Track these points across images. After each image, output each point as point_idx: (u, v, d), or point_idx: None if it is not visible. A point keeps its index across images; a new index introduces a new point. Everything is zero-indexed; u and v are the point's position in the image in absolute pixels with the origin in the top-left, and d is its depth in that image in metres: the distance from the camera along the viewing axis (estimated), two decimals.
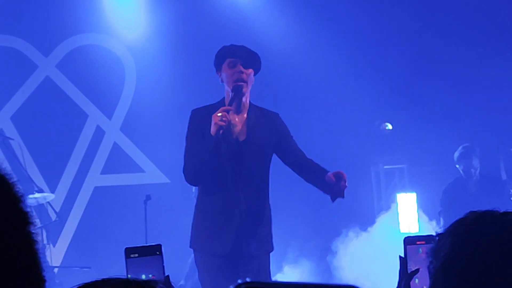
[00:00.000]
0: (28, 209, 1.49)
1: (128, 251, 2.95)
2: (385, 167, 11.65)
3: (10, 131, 11.37)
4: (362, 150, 11.67)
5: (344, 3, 11.44)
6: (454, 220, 8.46)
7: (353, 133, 11.46)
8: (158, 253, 3.09)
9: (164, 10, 11.62)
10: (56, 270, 9.89)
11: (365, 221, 10.85)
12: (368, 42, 11.50)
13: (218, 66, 6.49)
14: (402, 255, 3.13)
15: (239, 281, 1.94)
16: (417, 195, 10.77)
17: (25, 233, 1.46)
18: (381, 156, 11.69)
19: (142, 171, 11.70)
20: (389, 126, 11.39)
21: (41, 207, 10.47)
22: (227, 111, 6.19)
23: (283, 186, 9.42)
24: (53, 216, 10.65)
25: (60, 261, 10.66)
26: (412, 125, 11.47)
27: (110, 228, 11.01)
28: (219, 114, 6.13)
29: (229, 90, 6.34)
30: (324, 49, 11.32)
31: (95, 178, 11.65)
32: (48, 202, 10.38)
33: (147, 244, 3.12)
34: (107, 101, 11.72)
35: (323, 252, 10.72)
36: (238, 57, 6.41)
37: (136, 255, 2.95)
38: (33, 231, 1.48)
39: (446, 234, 2.34)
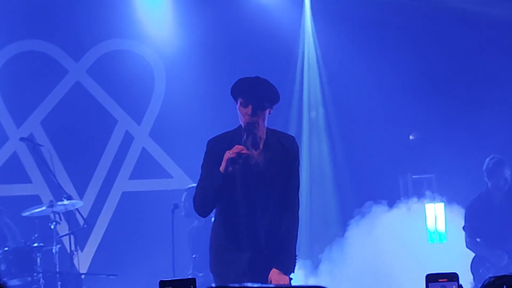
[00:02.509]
0: None
1: (163, 284, 2.84)
2: (413, 176, 11.47)
3: (40, 136, 11.32)
4: (390, 159, 11.62)
5: (377, 21, 11.29)
6: (479, 234, 9.42)
7: (382, 143, 11.35)
8: (192, 287, 2.95)
9: (194, 17, 11.52)
10: (83, 277, 9.80)
11: (394, 230, 10.68)
12: (398, 56, 11.27)
13: (233, 98, 6.42)
14: None
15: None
16: (445, 205, 10.63)
17: None
18: (410, 165, 11.54)
19: (170, 176, 11.59)
20: (411, 137, 11.53)
21: (69, 214, 10.31)
22: (240, 152, 6.14)
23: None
24: (81, 222, 10.40)
25: (87, 268, 10.66)
26: (440, 135, 11.41)
27: (138, 234, 11.02)
28: (233, 153, 6.11)
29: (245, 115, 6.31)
30: (356, 63, 11.15)
31: (123, 184, 11.55)
32: (77, 209, 10.18)
33: (182, 278, 2.98)
34: (137, 107, 11.68)
35: (350, 257, 10.56)
36: (250, 99, 6.30)
37: None
38: None
39: None
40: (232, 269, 6.48)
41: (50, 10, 11.08)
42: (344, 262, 10.70)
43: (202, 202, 6.42)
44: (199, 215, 6.66)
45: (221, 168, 6.20)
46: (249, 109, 6.23)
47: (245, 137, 6.25)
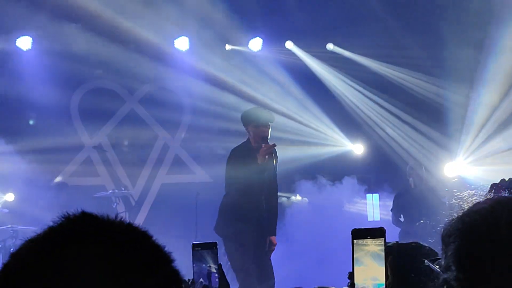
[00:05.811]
0: (177, 269, 1.32)
1: (194, 245, 2.88)
2: (359, 175, 11.94)
3: (106, 145, 12.30)
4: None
5: None
6: (401, 215, 10.02)
7: None
8: (214, 248, 3.03)
9: (206, 64, 11.67)
10: None
11: (342, 211, 11.31)
12: None
13: (260, 122, 7.44)
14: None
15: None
16: (379, 195, 11.69)
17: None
18: (358, 170, 11.98)
19: (194, 173, 12.38)
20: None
21: (125, 198, 11.45)
22: (267, 150, 7.22)
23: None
24: (133, 203, 11.51)
25: None
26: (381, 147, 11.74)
27: (171, 211, 11.40)
28: (266, 151, 7.21)
29: (255, 137, 7.38)
30: None
31: (162, 177, 12.39)
32: (130, 194, 11.40)
33: (207, 242, 3.03)
34: (171, 126, 12.48)
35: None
36: (269, 124, 7.43)
37: (199, 248, 2.88)
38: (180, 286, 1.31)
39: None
40: (240, 234, 7.24)
41: (114, 58, 11.41)
42: (298, 229, 10.88)
43: (240, 188, 7.22)
44: (237, 195, 7.24)
45: (260, 160, 7.13)
46: (268, 130, 7.39)
47: (265, 148, 7.26)
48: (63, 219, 1.29)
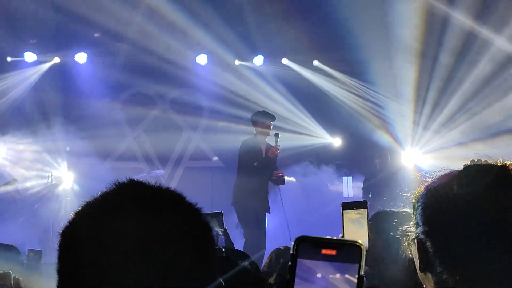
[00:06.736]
0: (207, 221, 1.25)
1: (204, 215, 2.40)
2: (337, 162, 11.71)
3: (142, 136, 12.16)
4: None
5: None
6: (369, 192, 9.63)
7: None
8: (220, 216, 2.92)
9: (224, 79, 11.58)
10: None
11: (320, 190, 11.17)
12: None
13: (265, 119, 7.77)
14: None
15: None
16: (352, 178, 11.51)
17: (211, 236, 1.24)
18: (336, 157, 11.78)
19: (210, 159, 12.23)
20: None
21: (158, 178, 10.12)
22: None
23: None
24: (163, 182, 11.35)
25: None
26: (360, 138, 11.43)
27: (192, 189, 10.96)
28: (274, 153, 7.57)
29: (262, 133, 7.64)
30: None
31: (186, 162, 12.27)
32: (162, 175, 11.01)
33: (215, 211, 2.92)
34: (193, 123, 12.31)
35: None
36: (267, 123, 7.77)
37: (208, 217, 1.86)
38: (211, 236, 1.24)
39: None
40: (250, 207, 7.38)
41: (149, 69, 11.42)
42: (289, 202, 10.07)
43: (250, 175, 7.36)
44: (247, 178, 7.38)
45: (270, 155, 7.49)
46: (271, 127, 7.69)
47: (273, 147, 7.56)
48: (115, 185, 1.25)
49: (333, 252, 0.98)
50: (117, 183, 1.24)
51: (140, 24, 10.54)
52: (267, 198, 7.68)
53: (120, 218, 1.18)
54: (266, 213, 7.73)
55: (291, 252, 0.98)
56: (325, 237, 0.98)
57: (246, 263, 2.33)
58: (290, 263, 0.98)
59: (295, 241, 0.99)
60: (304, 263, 0.98)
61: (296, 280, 0.97)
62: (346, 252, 0.97)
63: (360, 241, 0.99)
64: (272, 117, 7.89)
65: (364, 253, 0.98)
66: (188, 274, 1.18)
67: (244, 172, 7.61)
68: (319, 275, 0.96)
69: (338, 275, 0.96)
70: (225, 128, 11.52)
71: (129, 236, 1.16)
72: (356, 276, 0.97)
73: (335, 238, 1.00)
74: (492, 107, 10.01)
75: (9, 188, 9.86)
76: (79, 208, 1.23)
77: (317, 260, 0.98)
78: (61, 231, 1.22)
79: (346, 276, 0.96)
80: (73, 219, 1.22)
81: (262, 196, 7.54)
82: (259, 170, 7.53)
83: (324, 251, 0.98)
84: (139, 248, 1.15)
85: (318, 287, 0.97)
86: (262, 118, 7.82)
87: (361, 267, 0.97)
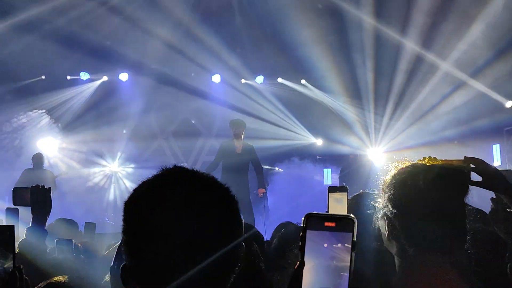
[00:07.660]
0: (234, 195, 1.16)
1: None
2: (317, 157, 11.28)
3: (170, 137, 12.03)
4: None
5: None
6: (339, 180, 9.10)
7: None
8: None
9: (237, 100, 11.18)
10: None
11: (306, 179, 10.77)
12: None
13: (230, 126, 7.55)
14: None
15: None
16: (331, 169, 11.04)
17: (239, 232, 1.15)
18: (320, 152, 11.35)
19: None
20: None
21: None
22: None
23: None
24: None
25: None
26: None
27: None
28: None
29: (235, 135, 7.36)
30: None
31: (203, 157, 11.96)
32: (186, 167, 10.83)
33: None
34: (208, 128, 12.06)
35: None
36: (238, 127, 7.51)
37: None
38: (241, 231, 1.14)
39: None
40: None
41: (174, 86, 11.00)
42: (278, 188, 10.48)
43: (212, 169, 7.13)
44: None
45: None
46: (242, 131, 7.39)
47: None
48: (163, 169, 1.20)
49: (333, 224, 0.98)
50: (164, 168, 1.21)
51: (167, 52, 10.26)
52: (247, 185, 7.38)
53: (166, 198, 1.14)
54: (249, 196, 7.49)
55: (302, 225, 0.99)
56: (326, 213, 0.97)
57: (251, 231, 2.23)
58: (301, 233, 0.99)
59: (305, 217, 1.00)
60: (312, 233, 0.98)
61: (307, 249, 0.98)
62: (342, 223, 0.98)
63: (352, 215, 0.99)
64: (241, 124, 7.65)
65: (356, 224, 0.98)
66: (227, 235, 1.16)
67: (223, 164, 7.54)
68: (325, 245, 0.97)
69: (339, 245, 0.97)
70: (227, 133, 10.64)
71: (182, 203, 1.13)
72: (351, 242, 0.99)
73: (334, 213, 1.02)
74: (437, 119, 9.88)
75: (66, 175, 9.85)
76: (137, 187, 1.18)
77: (321, 230, 0.98)
78: (125, 204, 1.18)
79: (346, 245, 0.97)
80: (131, 195, 1.18)
81: (242, 183, 7.25)
82: (234, 164, 7.37)
83: (326, 223, 0.98)
84: (191, 213, 1.13)
85: (323, 253, 0.98)
86: (234, 125, 7.69)
87: (353, 234, 0.98)
